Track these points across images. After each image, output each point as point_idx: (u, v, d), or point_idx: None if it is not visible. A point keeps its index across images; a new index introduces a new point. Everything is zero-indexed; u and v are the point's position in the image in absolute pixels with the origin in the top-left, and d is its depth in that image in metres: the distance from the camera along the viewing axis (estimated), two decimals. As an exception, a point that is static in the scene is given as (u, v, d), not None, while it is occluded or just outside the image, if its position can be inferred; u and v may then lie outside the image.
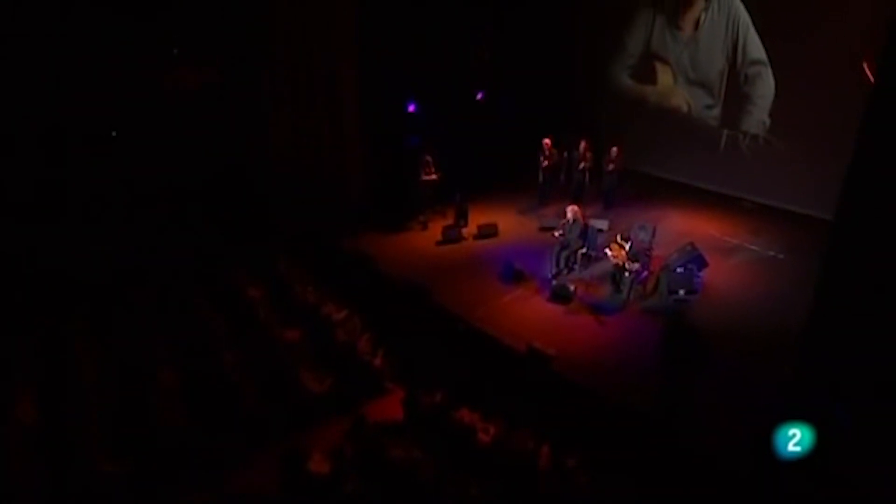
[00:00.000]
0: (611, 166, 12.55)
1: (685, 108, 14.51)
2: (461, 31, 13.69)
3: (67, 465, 6.42)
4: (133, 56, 10.70)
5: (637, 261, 9.08)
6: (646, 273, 9.53)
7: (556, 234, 10.23)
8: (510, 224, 12.35)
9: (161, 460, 6.63)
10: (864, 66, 10.70)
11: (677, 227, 11.87)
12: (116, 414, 7.16)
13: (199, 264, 10.21)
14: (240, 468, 6.75)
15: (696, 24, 13.91)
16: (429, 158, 11.97)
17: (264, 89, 11.56)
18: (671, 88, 14.68)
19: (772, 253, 11.06)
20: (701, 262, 9.21)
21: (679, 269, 9.10)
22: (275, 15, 11.33)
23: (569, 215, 10.10)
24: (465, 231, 11.96)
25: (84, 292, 9.18)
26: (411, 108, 13.06)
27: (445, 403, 7.43)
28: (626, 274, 9.29)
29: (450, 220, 12.27)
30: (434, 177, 12.04)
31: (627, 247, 9.20)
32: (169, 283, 9.65)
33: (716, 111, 13.98)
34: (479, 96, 14.25)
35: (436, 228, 12.07)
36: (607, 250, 9.47)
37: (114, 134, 11.62)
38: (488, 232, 11.78)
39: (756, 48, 12.95)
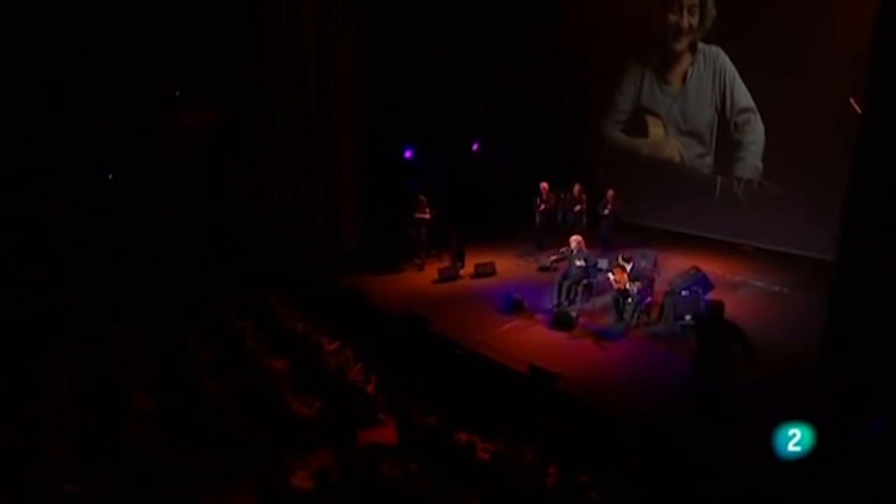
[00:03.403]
0: (607, 209, 12.47)
1: (678, 159, 14.62)
2: (457, 84, 14.01)
3: (28, 483, 5.83)
4: (134, 96, 10.83)
5: (639, 279, 8.76)
6: (649, 299, 9.19)
7: (555, 258, 9.98)
8: (508, 265, 12.11)
9: (130, 482, 6.04)
10: (851, 100, 10.84)
11: (678, 268, 11.58)
12: (85, 435, 6.61)
13: (188, 297, 9.83)
14: (217, 491, 6.15)
15: (684, 77, 14.27)
16: (422, 198, 11.89)
17: (261, 132, 11.63)
18: (663, 140, 14.86)
19: (777, 288, 10.77)
20: (706, 285, 8.89)
21: (684, 293, 8.75)
22: (274, 60, 11.59)
23: (572, 245, 9.91)
24: (462, 272, 11.69)
25: (67, 320, 8.77)
26: (408, 155, 13.13)
27: (442, 426, 6.93)
28: (629, 300, 8.94)
29: (446, 263, 12.04)
30: (428, 215, 11.90)
31: (629, 267, 8.90)
32: (154, 312, 9.25)
33: (708, 160, 14.07)
34: (474, 147, 14.39)
35: (432, 270, 11.82)
36: (609, 275, 9.18)
37: (110, 177, 11.59)
38: (486, 271, 11.52)
39: (744, 96, 13.22)
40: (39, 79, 10.14)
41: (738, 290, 10.64)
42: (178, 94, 11.35)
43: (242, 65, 11.45)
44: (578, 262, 9.80)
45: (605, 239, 12.67)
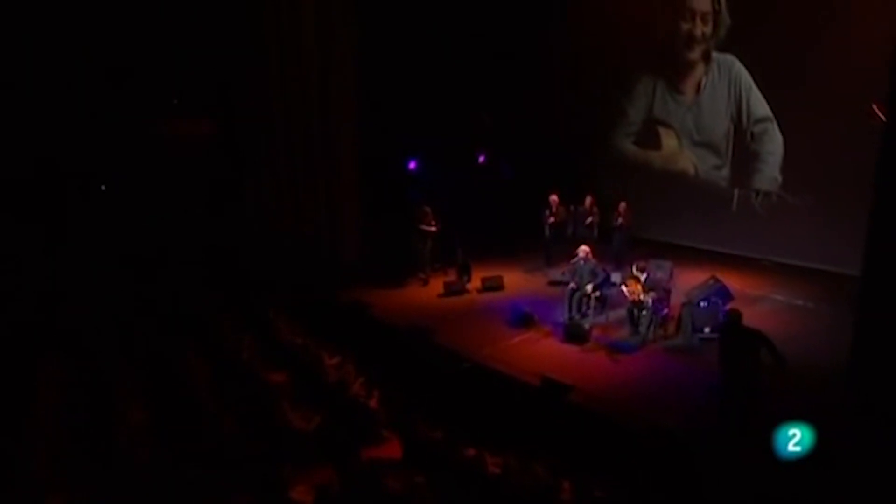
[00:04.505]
0: (619, 220, 12.43)
1: (692, 171, 14.63)
2: (463, 95, 14.12)
3: (11, 497, 5.75)
4: (130, 104, 10.93)
5: (654, 290, 8.70)
6: (666, 310, 9.11)
7: (567, 269, 9.96)
8: (516, 280, 12.06)
9: (119, 496, 5.94)
10: (874, 107, 10.85)
11: (695, 283, 11.53)
12: (73, 447, 6.53)
13: (184, 308, 9.81)
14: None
15: (698, 88, 14.34)
16: (427, 209, 11.89)
17: (261, 141, 11.70)
18: (676, 152, 14.89)
19: (800, 302, 10.68)
20: (726, 295, 8.82)
21: (702, 304, 8.67)
22: (275, 68, 11.71)
23: (580, 254, 9.87)
24: (468, 286, 11.65)
25: (57, 329, 8.74)
26: (412, 166, 13.18)
27: (449, 440, 6.82)
28: (644, 312, 8.86)
29: (452, 278, 11.99)
30: (433, 228, 11.89)
31: (643, 278, 8.84)
32: (149, 324, 9.22)
33: (724, 171, 14.07)
34: (480, 159, 14.44)
35: (436, 284, 11.79)
36: (623, 287, 9.12)
37: (103, 188, 11.65)
38: (493, 284, 11.48)
39: (760, 106, 13.25)
40: (31, 84, 10.25)
41: (759, 304, 10.55)
42: (176, 102, 11.46)
43: (242, 72, 11.58)
44: (587, 273, 9.77)
45: (618, 253, 12.59)
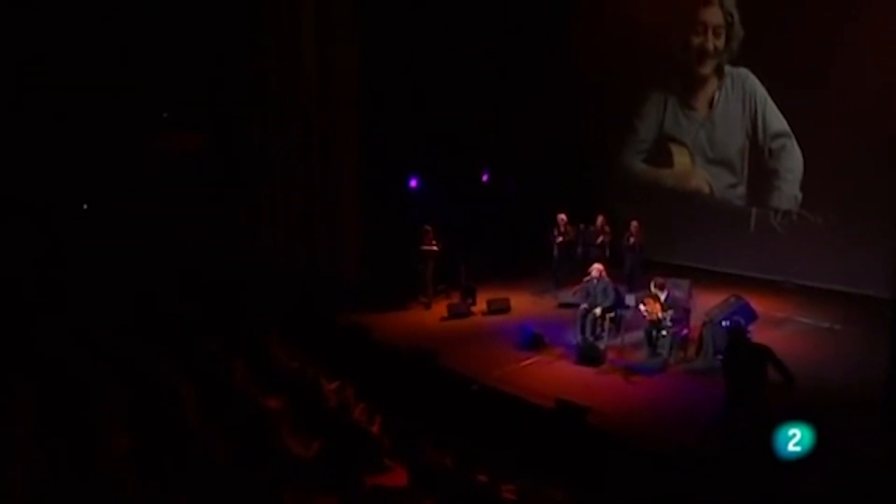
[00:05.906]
0: (632, 240, 12.48)
1: (706, 190, 14.72)
2: (466, 111, 14.27)
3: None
4: (118, 118, 11.03)
5: (673, 307, 8.70)
6: (685, 331, 9.09)
7: (580, 289, 9.96)
8: (524, 303, 12.06)
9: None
10: (898, 118, 11.01)
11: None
12: (52, 474, 6.43)
13: (171, 333, 9.76)
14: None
15: (711, 102, 14.52)
16: (428, 228, 11.96)
17: (257, 157, 11.80)
18: (689, 170, 15.00)
19: (826, 324, 10.66)
20: (749, 314, 8.83)
21: (724, 323, 8.66)
22: (274, 82, 11.87)
23: (593, 273, 9.89)
24: (473, 308, 11.65)
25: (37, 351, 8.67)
26: (413, 183, 13.29)
27: (458, 466, 6.75)
28: (663, 332, 8.85)
29: (455, 300, 12.00)
30: (435, 247, 11.93)
31: (663, 296, 8.84)
32: (133, 348, 9.16)
33: (740, 190, 14.17)
34: (484, 177, 14.55)
35: (440, 308, 11.80)
36: (640, 305, 9.12)
37: (84, 206, 11.68)
38: (500, 307, 11.48)
39: (777, 120, 13.40)
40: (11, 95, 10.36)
41: (783, 326, 10.56)
42: (165, 115, 11.57)
43: (239, 86, 11.73)
44: (600, 293, 9.78)
45: (631, 275, 12.60)
